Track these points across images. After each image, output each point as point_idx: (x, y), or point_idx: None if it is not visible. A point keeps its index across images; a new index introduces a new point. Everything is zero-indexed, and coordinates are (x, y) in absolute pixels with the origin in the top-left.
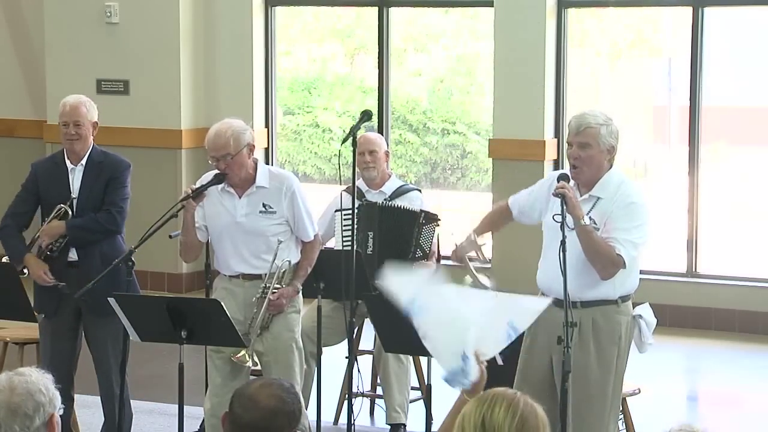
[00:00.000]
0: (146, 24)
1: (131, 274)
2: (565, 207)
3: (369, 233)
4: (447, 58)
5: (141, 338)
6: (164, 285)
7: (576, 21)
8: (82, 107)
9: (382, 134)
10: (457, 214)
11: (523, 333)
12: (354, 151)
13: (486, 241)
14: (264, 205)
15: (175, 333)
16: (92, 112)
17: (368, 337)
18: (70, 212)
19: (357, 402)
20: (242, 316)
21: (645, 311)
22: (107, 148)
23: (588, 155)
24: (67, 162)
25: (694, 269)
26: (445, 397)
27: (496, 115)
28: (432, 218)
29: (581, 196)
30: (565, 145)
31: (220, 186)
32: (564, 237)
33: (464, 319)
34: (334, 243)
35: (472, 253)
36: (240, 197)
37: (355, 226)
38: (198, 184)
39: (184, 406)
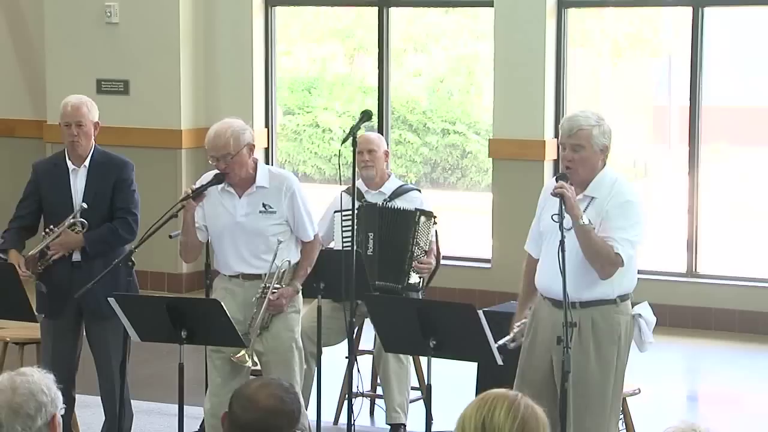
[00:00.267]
0: (146, 24)
1: (131, 274)
2: (563, 207)
3: (369, 234)
4: (447, 58)
5: (141, 338)
6: (164, 285)
7: (576, 21)
8: (84, 107)
9: (382, 134)
10: (457, 214)
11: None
12: (354, 152)
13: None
14: (264, 205)
15: (175, 333)
16: (93, 112)
17: (368, 337)
18: (81, 224)
19: (357, 402)
20: (242, 316)
21: (644, 310)
22: (107, 148)
23: (581, 157)
24: (69, 163)
25: (694, 269)
26: (445, 397)
27: (496, 115)
28: (428, 216)
29: (576, 196)
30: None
31: (220, 186)
32: (563, 237)
33: None
34: (333, 244)
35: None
36: (240, 197)
37: (355, 227)
38: (198, 184)
39: (184, 406)
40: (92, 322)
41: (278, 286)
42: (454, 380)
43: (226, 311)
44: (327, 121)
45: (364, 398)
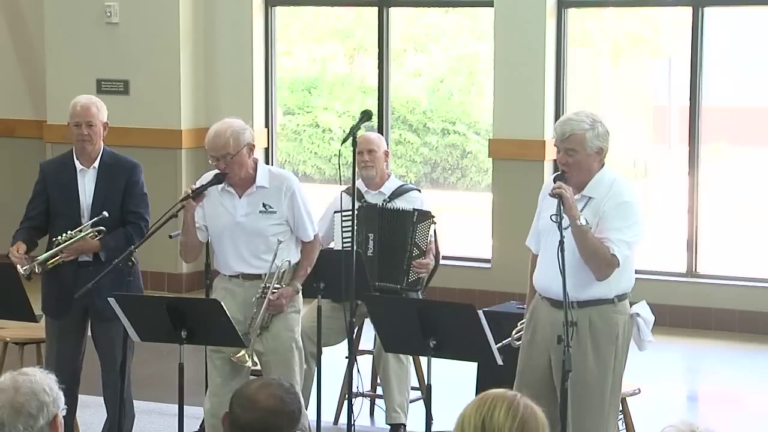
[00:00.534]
0: (146, 24)
1: (131, 273)
2: (561, 207)
3: (369, 235)
4: (447, 58)
5: (141, 338)
6: (164, 285)
7: (576, 21)
8: (93, 107)
9: (382, 134)
10: (457, 214)
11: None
12: (354, 151)
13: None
14: (264, 205)
15: (175, 333)
16: (103, 112)
17: (368, 337)
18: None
19: (357, 402)
20: (242, 316)
21: (642, 309)
22: (107, 148)
23: (575, 160)
24: (77, 163)
25: (694, 269)
26: (445, 397)
27: (496, 115)
28: (425, 216)
29: (573, 196)
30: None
31: (220, 186)
32: (562, 237)
33: None
34: (333, 245)
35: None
36: (240, 197)
37: (355, 228)
38: (198, 184)
39: (184, 406)
40: (98, 323)
41: (278, 286)
42: (454, 380)
43: (226, 311)
44: (327, 121)
45: (364, 398)
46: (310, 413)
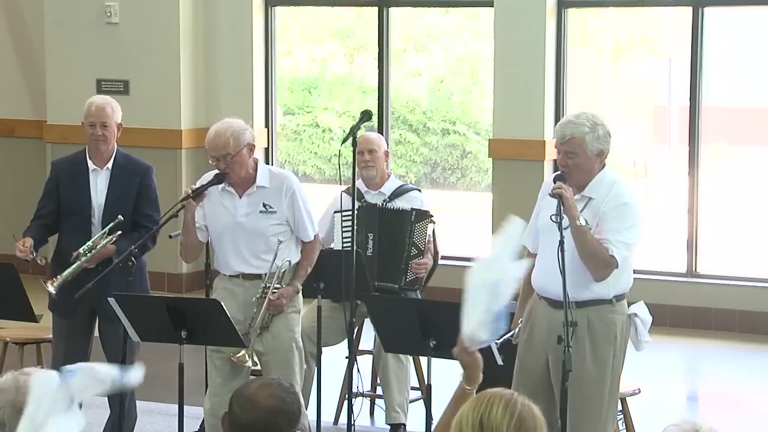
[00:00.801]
0: (146, 24)
1: (131, 274)
2: (561, 207)
3: (369, 235)
4: (447, 58)
5: (141, 338)
6: (164, 285)
7: (576, 21)
8: (108, 108)
9: (382, 134)
10: (457, 214)
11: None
12: (354, 151)
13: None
14: (264, 205)
15: (175, 333)
16: (117, 113)
17: (368, 337)
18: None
19: (357, 402)
20: (242, 316)
21: (640, 309)
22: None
23: (575, 163)
24: (90, 163)
25: (694, 269)
26: (445, 397)
27: (496, 115)
28: (423, 216)
29: (574, 196)
30: None
31: (220, 186)
32: (562, 237)
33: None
34: (334, 245)
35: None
36: (240, 197)
37: (355, 228)
38: (198, 184)
39: (184, 406)
40: (106, 323)
41: (278, 286)
42: (454, 380)
43: (226, 311)
44: (327, 121)
45: (364, 398)
46: (310, 413)
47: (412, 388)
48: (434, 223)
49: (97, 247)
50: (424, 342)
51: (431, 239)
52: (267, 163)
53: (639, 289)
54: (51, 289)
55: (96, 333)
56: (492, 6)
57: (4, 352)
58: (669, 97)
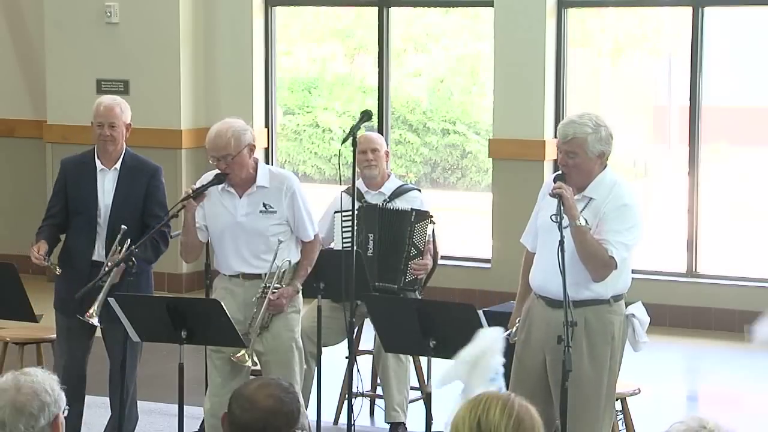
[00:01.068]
0: (146, 24)
1: (131, 274)
2: (562, 207)
3: (369, 235)
4: (447, 58)
5: (141, 338)
6: (164, 285)
7: (576, 21)
8: (117, 108)
9: (382, 134)
10: (457, 214)
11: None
12: (354, 152)
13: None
14: (264, 205)
15: (175, 333)
16: (126, 113)
17: (368, 337)
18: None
19: (357, 402)
20: (242, 316)
21: (638, 310)
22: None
23: (575, 163)
24: (98, 163)
25: (694, 269)
26: (445, 397)
27: (496, 115)
28: (423, 216)
29: (574, 196)
30: None
31: (220, 186)
32: (562, 237)
33: None
34: (334, 245)
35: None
36: (240, 197)
37: (355, 228)
38: (198, 184)
39: (184, 406)
40: (109, 323)
41: (278, 285)
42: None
43: (226, 311)
44: (327, 121)
45: (364, 398)
46: (310, 413)
47: (412, 388)
48: (434, 223)
49: (114, 264)
50: (424, 342)
51: (431, 239)
52: (267, 163)
53: (639, 289)
54: (94, 321)
55: (98, 333)
56: (492, 6)
57: (4, 352)
58: (669, 97)
